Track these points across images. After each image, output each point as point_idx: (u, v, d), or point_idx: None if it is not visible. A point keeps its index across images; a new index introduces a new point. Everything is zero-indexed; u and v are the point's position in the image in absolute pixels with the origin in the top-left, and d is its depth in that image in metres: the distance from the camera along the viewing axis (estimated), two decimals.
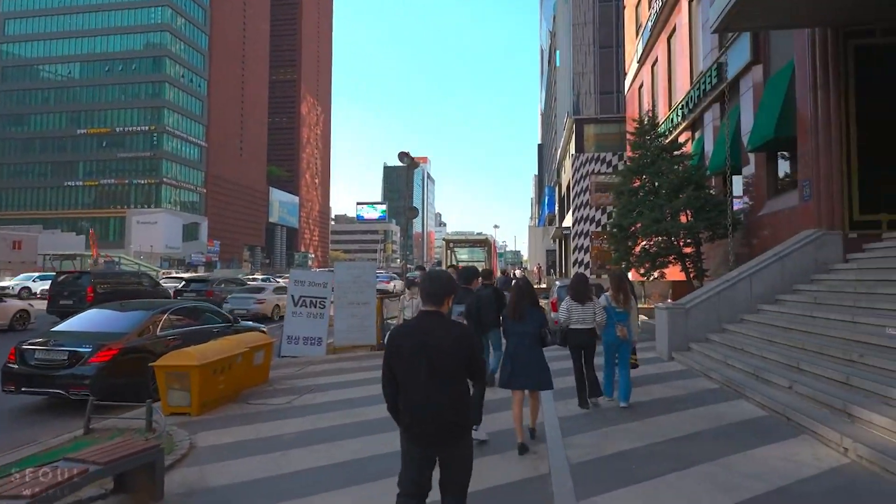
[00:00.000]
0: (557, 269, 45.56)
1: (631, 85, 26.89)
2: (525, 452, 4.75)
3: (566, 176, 39.93)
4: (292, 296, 11.31)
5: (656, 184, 13.26)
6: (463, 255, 38.52)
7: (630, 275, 25.87)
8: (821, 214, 9.63)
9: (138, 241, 76.46)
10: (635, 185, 13.68)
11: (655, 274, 14.22)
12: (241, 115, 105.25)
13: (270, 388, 8.01)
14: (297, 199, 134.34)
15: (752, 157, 12.45)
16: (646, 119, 14.29)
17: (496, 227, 56.52)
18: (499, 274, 47.91)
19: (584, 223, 34.22)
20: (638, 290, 26.31)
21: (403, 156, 13.35)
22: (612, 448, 4.89)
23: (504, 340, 5.38)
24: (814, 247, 9.43)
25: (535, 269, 36.92)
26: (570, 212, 35.11)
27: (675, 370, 8.68)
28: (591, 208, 34.16)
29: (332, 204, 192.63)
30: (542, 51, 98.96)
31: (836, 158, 9.48)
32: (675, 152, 13.77)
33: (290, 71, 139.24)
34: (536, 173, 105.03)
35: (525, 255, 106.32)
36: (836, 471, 4.15)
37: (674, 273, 15.21)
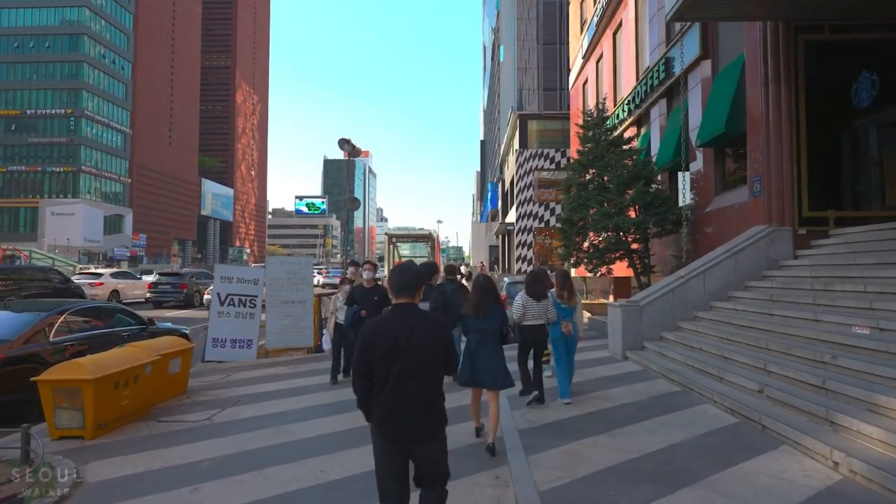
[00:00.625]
0: (501, 266, 45.56)
1: (575, 81, 26.90)
2: (481, 435, 5.03)
3: (510, 171, 39.88)
4: (218, 294, 10.18)
5: (605, 178, 12.99)
6: (406, 250, 37.70)
7: (573, 272, 26.14)
8: (771, 210, 9.54)
9: (53, 234, 70.42)
10: (584, 179, 13.37)
11: (603, 270, 14.01)
12: (170, 102, 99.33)
13: (188, 400, 6.98)
14: (231, 191, 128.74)
15: (699, 152, 12.38)
16: (594, 112, 14.01)
17: (439, 222, 55.71)
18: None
19: (528, 219, 34.21)
20: (580, 286, 26.46)
21: (344, 143, 12.42)
22: (585, 468, 4.31)
23: (464, 338, 5.28)
24: (765, 243, 9.33)
25: (479, 265, 36.54)
26: (514, 207, 35.01)
27: (631, 371, 8.30)
28: (534, 204, 34.17)
29: (269, 197, 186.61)
30: (484, 47, 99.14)
31: (786, 154, 9.41)
32: (624, 146, 13.57)
33: (225, 57, 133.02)
34: (479, 170, 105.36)
35: (467, 250, 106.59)
36: (833, 491, 3.73)
37: (620, 269, 15.08)
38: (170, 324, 10.26)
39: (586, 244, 13.56)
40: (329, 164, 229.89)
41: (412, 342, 2.67)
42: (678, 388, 6.94)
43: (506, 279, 13.71)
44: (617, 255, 13.27)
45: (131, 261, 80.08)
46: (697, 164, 12.58)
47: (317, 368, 9.11)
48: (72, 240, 70.48)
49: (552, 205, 34.20)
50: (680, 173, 11.26)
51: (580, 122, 26.35)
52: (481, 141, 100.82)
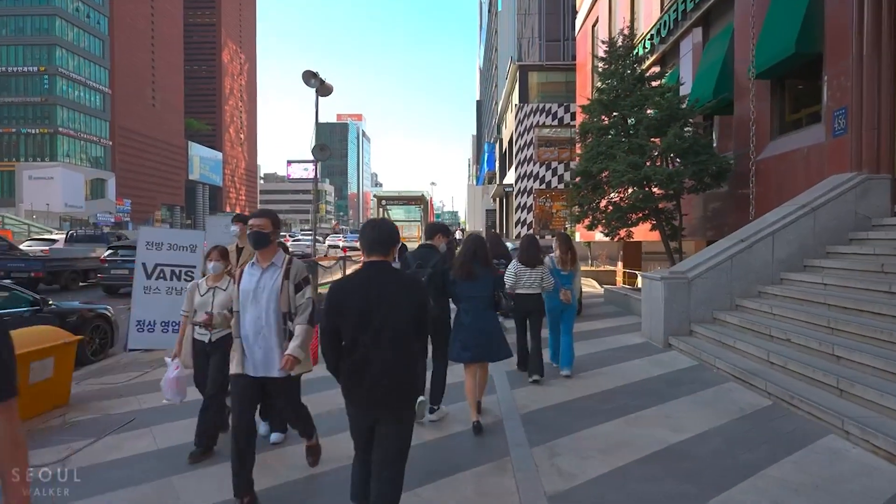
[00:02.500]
0: (498, 230, 43.35)
1: (583, 24, 24.11)
2: (480, 433, 4.25)
3: (508, 130, 37.21)
4: (143, 265, 7.92)
5: (632, 121, 10.62)
6: (398, 213, 35.34)
7: (577, 237, 23.89)
8: (861, 153, 7.28)
9: (31, 199, 67.52)
10: (605, 122, 10.97)
11: (622, 233, 11.81)
12: (151, 61, 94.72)
13: (61, 419, 4.84)
14: (220, 155, 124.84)
15: (751, 86, 10.00)
16: (619, 39, 11.50)
17: (433, 184, 52.38)
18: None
19: (528, 180, 31.80)
20: (583, 252, 24.31)
21: (310, 77, 9.97)
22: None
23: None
24: (854, 195, 7.11)
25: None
26: (513, 168, 32.55)
27: (684, 367, 6.18)
28: (535, 164, 31.72)
29: (260, 162, 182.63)
30: (480, 3, 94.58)
31: (887, 78, 7.08)
32: (655, 83, 11.14)
33: (209, 14, 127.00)
34: (475, 133, 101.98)
35: (462, 215, 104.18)
36: None
37: (641, 233, 12.88)
38: (77, 302, 8.06)
39: (604, 202, 11.29)
40: (321, 128, 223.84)
41: (383, 299, 2.45)
42: (768, 401, 4.82)
43: (508, 244, 11.48)
44: (641, 214, 11.05)
45: (116, 227, 77.41)
46: (745, 103, 10.21)
47: None
48: (52, 205, 67.61)
49: (554, 165, 31.79)
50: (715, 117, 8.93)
51: (590, 66, 23.80)
52: (477, 101, 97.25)
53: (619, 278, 19.52)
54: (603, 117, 10.96)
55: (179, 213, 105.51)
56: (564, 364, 5.94)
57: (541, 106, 31.70)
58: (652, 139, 10.03)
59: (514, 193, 32.05)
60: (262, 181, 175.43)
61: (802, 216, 7.11)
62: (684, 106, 10.30)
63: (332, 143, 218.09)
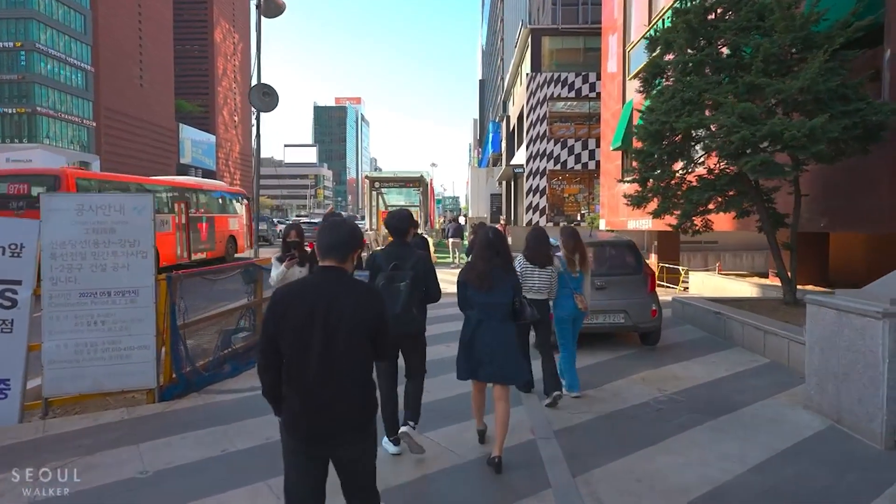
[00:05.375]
0: (505, 217, 39.70)
1: None
2: (486, 440, 3.92)
3: (517, 106, 33.49)
4: None
5: (742, 50, 7.05)
6: (395, 197, 31.69)
7: (603, 224, 20.33)
8: None
9: None
10: (692, 53, 7.37)
11: (698, 223, 8.38)
12: (139, 38, 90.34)
13: None
14: (213, 138, 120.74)
15: None
16: None
17: (434, 165, 47.42)
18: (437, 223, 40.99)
19: (540, 160, 28.16)
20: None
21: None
22: None
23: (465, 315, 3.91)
24: None
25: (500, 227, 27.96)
26: (524, 146, 28.88)
27: None
28: (548, 141, 28.06)
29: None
30: None
31: None
32: None
33: None
34: (476, 117, 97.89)
35: (463, 201, 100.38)
36: None
37: (724, 222, 9.44)
38: None
39: (691, 177, 7.80)
40: (319, 112, 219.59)
41: (333, 312, 2.15)
42: None
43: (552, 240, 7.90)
44: (732, 195, 7.57)
45: None
46: None
47: (174, 445, 3.71)
48: None
49: (571, 142, 28.13)
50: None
51: (616, 31, 20.13)
52: (480, 81, 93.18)
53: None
54: (686, 47, 7.36)
55: None
56: (573, 385, 5.08)
57: (555, 76, 27.95)
58: (781, 76, 6.47)
59: (525, 175, 28.43)
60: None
61: None
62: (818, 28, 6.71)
63: (331, 127, 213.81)
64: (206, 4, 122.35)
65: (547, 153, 28.06)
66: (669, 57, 7.90)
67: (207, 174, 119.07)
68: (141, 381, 4.92)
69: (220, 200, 20.23)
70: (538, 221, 27.88)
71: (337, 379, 2.14)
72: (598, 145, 27.04)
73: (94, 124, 78.75)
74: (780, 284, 10.71)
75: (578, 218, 28.17)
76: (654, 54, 8.14)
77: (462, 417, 4.42)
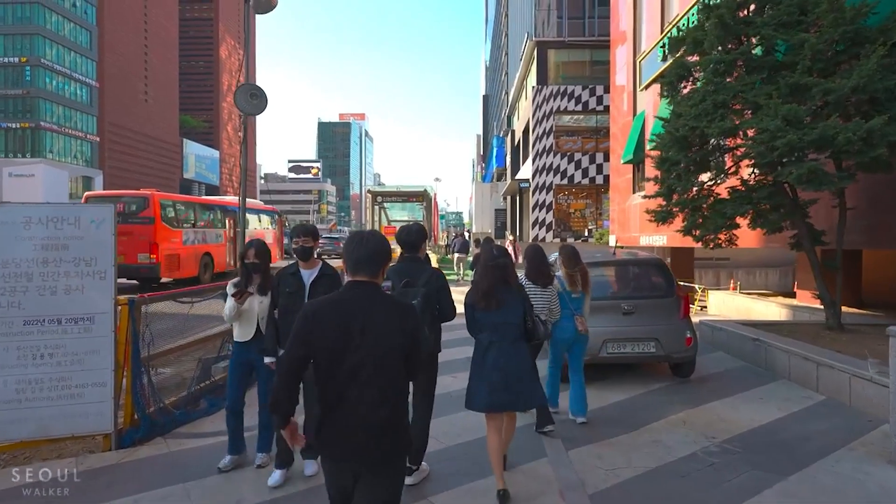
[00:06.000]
0: (511, 234, 38.97)
1: None
2: (507, 501, 3.30)
3: (522, 120, 32.98)
4: None
5: (775, 49, 6.38)
6: (398, 212, 31.03)
7: (613, 240, 19.59)
8: None
9: (11, 198, 63.55)
10: (729, 50, 6.68)
11: (721, 238, 7.65)
12: (144, 55, 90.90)
13: None
14: (217, 153, 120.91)
15: None
16: None
17: (437, 179, 46.11)
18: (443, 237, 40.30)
19: (547, 174, 27.53)
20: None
21: None
22: None
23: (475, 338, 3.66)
24: None
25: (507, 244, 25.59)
26: (530, 160, 28.28)
27: None
28: (555, 155, 27.46)
29: (261, 161, 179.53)
30: None
31: None
32: None
33: (206, 8, 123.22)
34: (480, 133, 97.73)
35: (466, 216, 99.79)
36: None
37: (750, 238, 8.72)
38: None
39: (719, 189, 7.08)
40: (323, 128, 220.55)
41: (368, 335, 2.04)
42: None
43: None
44: (764, 208, 6.84)
45: None
46: None
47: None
48: None
49: (577, 156, 27.52)
50: None
51: (625, 43, 19.59)
52: (483, 96, 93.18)
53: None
54: (722, 43, 6.67)
55: None
56: (579, 410, 4.74)
57: (562, 88, 27.44)
58: (830, 73, 5.78)
59: (532, 190, 27.79)
60: (262, 181, 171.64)
61: None
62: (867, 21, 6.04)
63: (335, 143, 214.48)
64: (212, 22, 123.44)
65: (553, 167, 27.44)
66: (694, 58, 7.26)
67: (211, 189, 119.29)
68: (96, 425, 4.17)
69: (259, 217, 22.60)
70: (544, 237, 27.17)
71: (368, 404, 2.03)
72: (606, 159, 26.46)
73: (98, 139, 78.83)
74: (811, 305, 9.97)
75: (586, 234, 27.48)
76: (678, 55, 7.47)
77: (476, 472, 3.67)
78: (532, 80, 28.95)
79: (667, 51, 7.64)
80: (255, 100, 6.27)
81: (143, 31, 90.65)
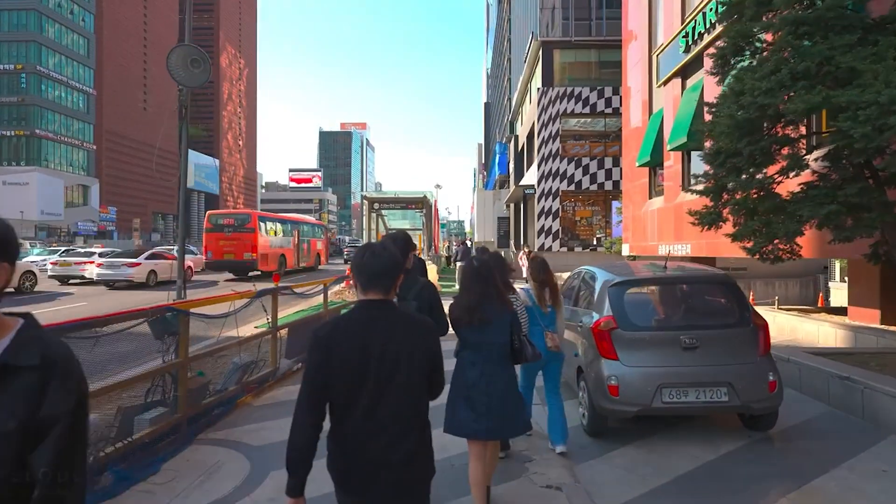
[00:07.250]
0: (515, 241, 37.50)
1: None
2: None
3: (525, 124, 31.67)
4: None
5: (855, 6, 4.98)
6: (397, 220, 29.60)
7: (627, 249, 18.12)
8: None
9: (5, 206, 62.33)
10: (800, 9, 5.29)
11: (782, 249, 6.21)
12: (143, 63, 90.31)
13: None
14: (216, 162, 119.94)
15: None
16: None
17: (438, 186, 44.27)
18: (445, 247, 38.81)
19: (553, 179, 26.14)
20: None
21: None
22: None
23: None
24: None
25: (520, 256, 21.34)
26: (535, 165, 26.91)
27: None
28: (561, 160, 26.09)
29: (261, 170, 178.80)
30: (487, 5, 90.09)
31: None
32: None
33: (207, 17, 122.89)
34: (481, 142, 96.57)
35: (467, 225, 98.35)
36: None
37: (813, 246, 7.30)
38: None
39: (783, 181, 5.66)
40: (325, 137, 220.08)
41: (388, 357, 1.83)
42: None
43: (598, 275, 5.53)
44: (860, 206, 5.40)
45: (99, 236, 72.21)
46: None
47: None
48: (26, 213, 62.45)
49: (585, 161, 26.15)
50: None
51: (638, 39, 18.29)
52: (485, 103, 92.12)
53: None
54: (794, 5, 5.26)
55: (173, 222, 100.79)
56: (558, 438, 4.23)
57: (568, 90, 26.12)
58: None
59: (537, 196, 26.39)
60: (263, 190, 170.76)
61: None
62: None
63: (336, 152, 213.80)
64: (213, 30, 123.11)
65: (560, 172, 26.07)
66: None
67: (210, 198, 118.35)
68: None
69: (313, 229, 29.83)
70: (551, 246, 25.77)
71: (390, 431, 1.84)
72: (615, 164, 25.11)
73: (95, 147, 77.86)
74: (873, 325, 8.52)
75: (595, 242, 26.09)
76: (731, 22, 6.06)
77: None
78: (537, 82, 27.66)
79: (717, 19, 6.22)
80: (196, 67, 4.87)
81: (143, 39, 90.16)
